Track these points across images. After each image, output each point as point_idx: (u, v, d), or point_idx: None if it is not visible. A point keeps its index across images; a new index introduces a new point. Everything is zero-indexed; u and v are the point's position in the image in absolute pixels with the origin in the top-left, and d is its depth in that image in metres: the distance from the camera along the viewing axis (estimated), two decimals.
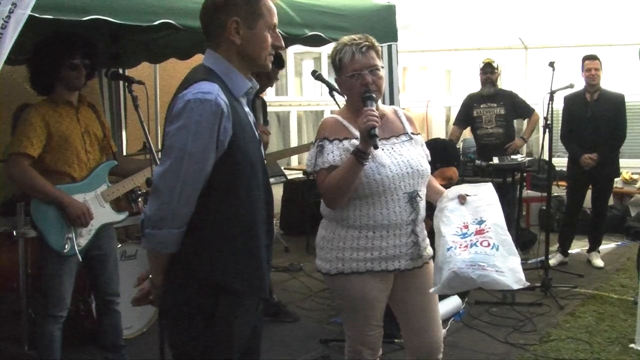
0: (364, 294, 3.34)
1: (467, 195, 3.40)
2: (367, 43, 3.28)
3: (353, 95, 3.32)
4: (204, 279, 2.59)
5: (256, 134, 2.77)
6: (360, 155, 3.06)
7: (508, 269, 3.08)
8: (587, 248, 7.99)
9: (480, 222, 3.26)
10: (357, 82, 3.25)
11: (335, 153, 3.24)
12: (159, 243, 2.54)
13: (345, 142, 3.26)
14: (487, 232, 3.19)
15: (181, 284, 2.61)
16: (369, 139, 3.01)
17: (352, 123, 3.31)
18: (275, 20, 2.72)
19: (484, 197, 3.40)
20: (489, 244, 3.13)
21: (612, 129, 7.42)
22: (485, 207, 3.34)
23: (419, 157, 3.38)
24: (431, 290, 3.25)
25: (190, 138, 2.45)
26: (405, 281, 3.43)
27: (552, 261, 7.65)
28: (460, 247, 3.16)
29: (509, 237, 3.22)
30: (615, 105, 7.46)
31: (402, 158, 3.30)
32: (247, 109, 2.75)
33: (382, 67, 3.35)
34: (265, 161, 2.87)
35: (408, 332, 3.55)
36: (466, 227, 3.26)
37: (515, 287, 3.08)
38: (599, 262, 7.75)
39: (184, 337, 2.66)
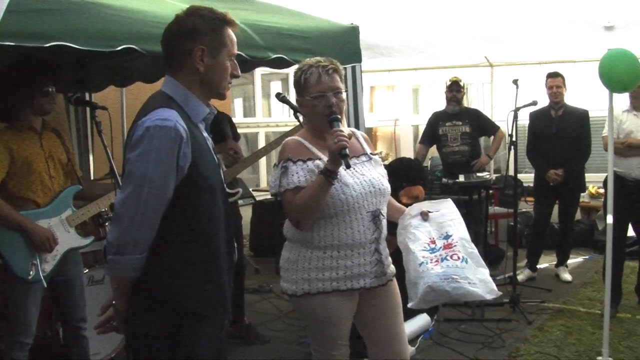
0: (332, 314, 3.37)
1: (429, 212, 3.46)
2: (332, 66, 3.34)
3: (316, 116, 3.35)
4: (167, 303, 2.62)
5: (215, 158, 2.81)
6: (330, 175, 3.10)
7: (479, 280, 3.17)
8: (555, 263, 8.07)
9: (447, 236, 3.33)
10: (321, 103, 3.29)
11: (300, 174, 3.27)
12: (122, 269, 2.56)
13: (310, 163, 3.29)
14: (455, 245, 3.28)
15: (145, 308, 2.63)
16: (341, 158, 3.06)
17: (313, 144, 3.36)
18: (236, 49, 2.79)
19: (446, 212, 3.48)
20: (458, 257, 3.22)
21: (577, 145, 7.51)
22: (448, 222, 3.41)
23: (380, 176, 3.44)
24: (409, 305, 3.29)
25: (150, 165, 2.48)
26: (370, 299, 3.46)
27: (521, 277, 7.74)
28: (431, 262, 3.23)
29: (475, 250, 3.31)
30: (579, 121, 7.55)
31: (364, 177, 3.36)
32: (205, 134, 2.78)
33: (345, 91, 3.40)
34: (224, 182, 2.90)
35: (374, 349, 3.57)
36: (433, 242, 3.33)
37: (488, 297, 3.16)
38: (567, 276, 7.82)
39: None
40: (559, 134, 7.52)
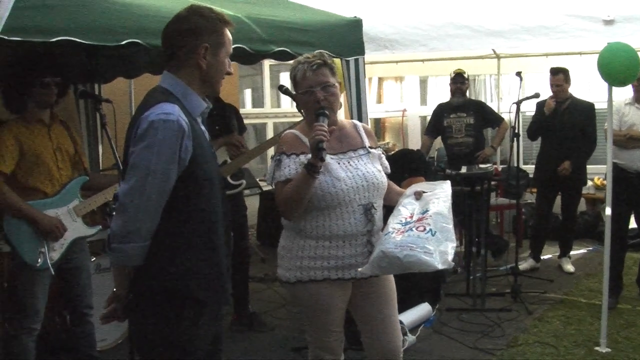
0: (322, 301, 3.47)
1: (424, 192, 3.52)
2: (318, 61, 3.43)
3: (308, 111, 3.48)
4: (168, 289, 2.72)
5: (212, 150, 2.92)
6: (311, 168, 3.19)
7: (439, 251, 3.14)
8: (558, 254, 8.14)
9: (425, 212, 3.35)
10: (310, 98, 3.41)
11: (292, 167, 3.39)
12: (126, 257, 2.67)
13: (302, 157, 3.40)
14: (427, 219, 3.28)
15: (146, 294, 2.74)
16: (317, 152, 3.15)
17: (309, 137, 3.45)
18: (231, 49, 2.91)
19: (439, 192, 3.50)
20: (424, 229, 3.21)
21: (582, 137, 7.56)
22: (435, 200, 3.43)
23: (375, 170, 3.52)
24: (359, 269, 3.35)
25: (154, 156, 2.59)
26: (363, 289, 3.56)
27: (524, 266, 7.83)
28: (397, 232, 3.25)
29: (450, 226, 3.29)
30: (585, 113, 7.59)
31: (358, 171, 3.45)
32: (203, 128, 2.88)
33: (337, 83, 3.49)
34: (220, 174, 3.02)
35: (367, 337, 3.66)
36: (411, 217, 3.36)
37: (440, 267, 3.12)
38: (569, 267, 7.88)
39: (150, 345, 2.80)
40: (565, 126, 7.55)
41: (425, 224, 3.24)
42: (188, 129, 2.67)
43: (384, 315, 3.61)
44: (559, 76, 7.56)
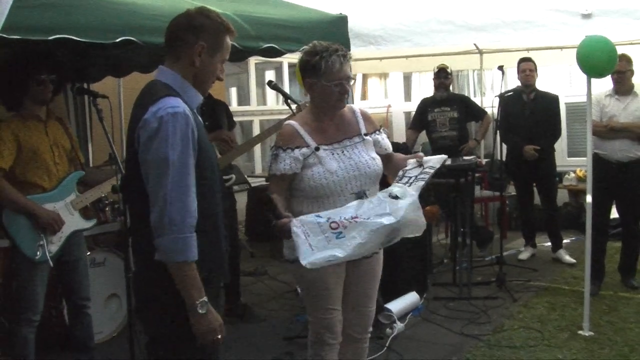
0: (318, 279, 3.63)
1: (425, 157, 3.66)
2: (348, 54, 3.58)
3: (328, 100, 3.59)
4: None
5: (209, 140, 3.05)
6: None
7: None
8: (551, 248, 8.22)
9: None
10: (337, 89, 3.54)
11: (287, 162, 3.54)
12: (173, 250, 2.69)
13: (296, 151, 3.55)
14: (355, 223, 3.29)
15: (157, 275, 2.81)
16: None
17: (308, 128, 3.62)
18: (227, 57, 3.01)
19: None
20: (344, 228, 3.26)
21: (547, 128, 7.78)
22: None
23: (368, 158, 3.65)
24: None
25: (169, 149, 2.67)
26: (355, 269, 3.72)
27: (524, 255, 8.15)
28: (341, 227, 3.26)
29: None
30: (550, 104, 7.84)
31: (351, 161, 3.60)
32: (200, 119, 3.01)
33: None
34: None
35: (348, 307, 3.83)
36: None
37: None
38: (568, 258, 7.94)
39: (158, 323, 2.90)
40: (531, 117, 7.76)
41: (348, 228, 3.25)
42: (193, 119, 2.79)
43: (368, 291, 3.84)
44: (530, 63, 7.82)
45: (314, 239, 3.20)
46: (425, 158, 3.63)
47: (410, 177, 3.54)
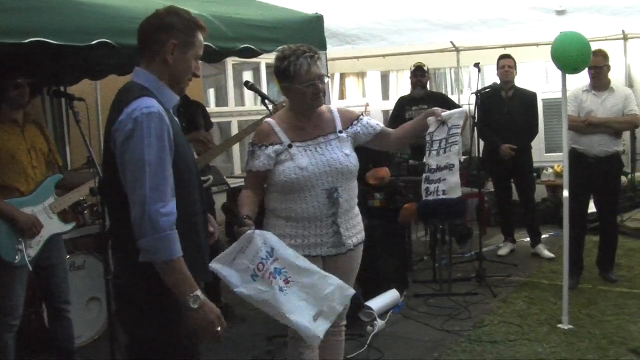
0: None
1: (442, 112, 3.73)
2: (316, 54, 3.62)
3: (304, 101, 3.64)
4: (155, 271, 2.80)
5: (186, 140, 3.05)
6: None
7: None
8: (530, 243, 8.29)
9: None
10: (309, 90, 3.57)
11: (261, 159, 3.61)
12: (156, 249, 2.67)
13: (270, 148, 3.62)
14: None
15: (136, 275, 2.81)
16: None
17: (285, 125, 3.67)
18: (201, 52, 3.03)
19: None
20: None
21: (525, 125, 7.85)
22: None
23: (341, 155, 3.68)
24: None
25: (145, 149, 2.66)
26: (330, 265, 3.72)
27: (504, 250, 8.22)
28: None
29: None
30: (528, 102, 7.93)
31: (322, 157, 3.64)
32: (176, 119, 3.01)
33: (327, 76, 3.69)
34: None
35: None
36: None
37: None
38: (547, 253, 8.02)
39: (138, 324, 2.90)
40: (510, 113, 7.82)
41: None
42: (167, 119, 2.79)
43: None
44: (510, 60, 7.86)
45: (240, 262, 3.24)
46: (444, 114, 3.70)
47: (441, 141, 3.66)
